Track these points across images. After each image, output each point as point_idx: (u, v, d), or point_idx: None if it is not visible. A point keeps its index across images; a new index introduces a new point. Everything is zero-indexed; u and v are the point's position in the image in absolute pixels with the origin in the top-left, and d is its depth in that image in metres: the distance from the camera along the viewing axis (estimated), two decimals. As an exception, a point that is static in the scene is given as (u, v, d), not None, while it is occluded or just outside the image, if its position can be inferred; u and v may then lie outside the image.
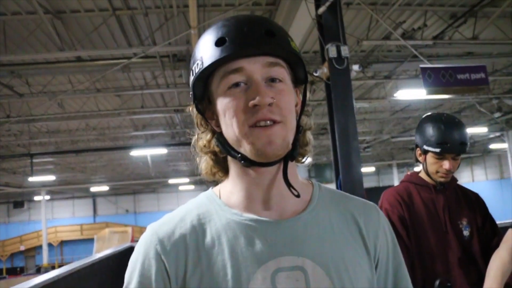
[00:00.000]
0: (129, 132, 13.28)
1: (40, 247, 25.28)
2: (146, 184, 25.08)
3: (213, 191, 0.95)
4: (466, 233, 1.99)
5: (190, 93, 0.90)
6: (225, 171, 0.94)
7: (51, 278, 3.89)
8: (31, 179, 15.70)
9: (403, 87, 8.49)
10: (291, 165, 0.89)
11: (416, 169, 2.27)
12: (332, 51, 4.41)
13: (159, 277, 0.84)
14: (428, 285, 1.89)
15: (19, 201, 27.52)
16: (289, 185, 0.87)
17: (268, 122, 0.81)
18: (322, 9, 4.70)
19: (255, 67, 0.83)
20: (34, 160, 13.80)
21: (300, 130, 0.90)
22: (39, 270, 22.58)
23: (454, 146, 1.96)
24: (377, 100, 10.69)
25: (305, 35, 6.82)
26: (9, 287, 3.36)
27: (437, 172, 2.02)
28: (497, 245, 1.99)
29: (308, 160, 0.97)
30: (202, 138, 0.94)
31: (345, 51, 4.42)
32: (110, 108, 10.79)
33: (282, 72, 0.85)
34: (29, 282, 3.61)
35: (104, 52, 7.21)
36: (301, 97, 0.93)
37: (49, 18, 6.05)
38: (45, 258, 23.62)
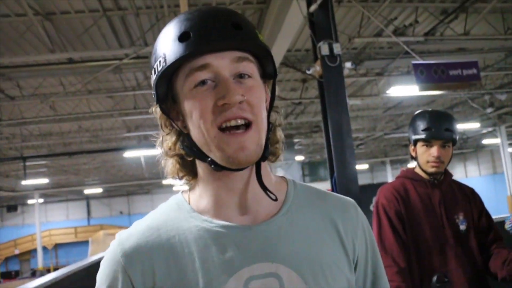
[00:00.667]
0: (122, 134, 13.23)
1: (34, 250, 25.13)
2: (140, 185, 25.01)
3: (182, 195, 0.90)
4: (462, 227, 2.01)
5: (153, 92, 0.84)
6: (193, 174, 0.89)
7: (49, 281, 3.87)
8: (24, 182, 15.61)
9: (396, 84, 8.51)
10: (263, 165, 0.84)
11: (411, 165, 2.28)
12: (324, 48, 4.41)
13: None
14: (426, 280, 1.89)
15: (13, 205, 27.35)
16: (265, 188, 0.82)
17: (239, 121, 0.76)
18: (313, 7, 4.70)
19: (223, 63, 0.77)
20: (27, 163, 13.70)
21: (270, 127, 0.85)
22: (34, 274, 22.45)
23: (439, 131, 2.02)
24: (370, 97, 10.72)
25: (297, 33, 6.82)
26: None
27: (427, 162, 2.04)
28: (493, 240, 2.01)
29: (279, 158, 0.91)
30: (167, 140, 0.88)
31: (337, 48, 4.42)
32: (102, 110, 10.74)
33: (251, 67, 0.80)
34: (27, 286, 3.59)
35: (95, 53, 7.17)
36: (269, 93, 0.88)
37: (39, 19, 6.01)
38: (40, 261, 23.46)
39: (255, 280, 0.77)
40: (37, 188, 20.85)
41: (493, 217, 2.16)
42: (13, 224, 27.97)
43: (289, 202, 0.87)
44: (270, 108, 0.87)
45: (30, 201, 25.46)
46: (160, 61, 0.79)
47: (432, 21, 7.32)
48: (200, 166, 0.86)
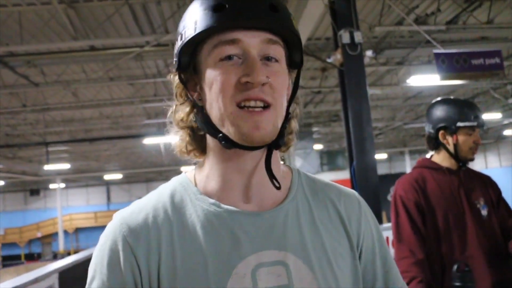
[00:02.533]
0: (142, 121, 13.37)
1: (56, 234, 25.70)
2: (159, 172, 25.26)
3: (187, 176, 0.87)
4: (484, 212, 2.03)
5: (175, 59, 0.81)
6: (202, 151, 0.87)
7: (70, 263, 4.00)
8: (46, 167, 15.92)
9: (416, 73, 8.41)
10: (274, 152, 0.81)
11: (428, 156, 2.30)
12: (345, 37, 4.40)
13: (128, 272, 0.75)
14: (447, 269, 1.90)
15: (35, 189, 27.96)
16: (272, 176, 0.80)
17: (258, 102, 0.74)
18: (334, -5, 4.69)
19: (254, 42, 0.75)
20: (49, 149, 13.97)
21: (288, 117, 0.83)
22: (55, 256, 23.02)
23: (483, 121, 2.10)
24: (390, 86, 10.62)
25: (317, 22, 6.78)
26: (29, 272, 3.48)
27: (470, 148, 2.09)
28: None
29: (289, 150, 0.90)
30: (180, 110, 0.85)
31: (358, 37, 4.41)
32: (123, 97, 10.87)
33: (280, 51, 0.78)
34: (49, 267, 3.72)
35: (117, 40, 7.26)
36: (292, 82, 0.86)
37: (63, 8, 6.10)
38: (61, 244, 24.02)
39: (263, 267, 0.76)
40: (59, 173, 21.24)
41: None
42: (36, 207, 28.59)
43: (294, 190, 0.87)
44: (291, 98, 0.85)
45: (52, 186, 25.96)
46: (189, 28, 0.77)
47: (455, 10, 7.19)
48: (211, 144, 0.83)
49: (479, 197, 2.06)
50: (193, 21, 0.76)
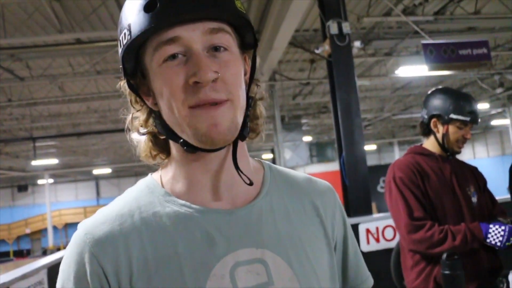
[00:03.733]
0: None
1: (45, 230, 25.52)
2: (148, 166, 25.02)
3: (153, 178, 0.83)
4: (474, 199, 2.07)
5: (120, 66, 0.76)
6: (167, 153, 0.83)
7: (59, 259, 3.96)
8: (34, 162, 15.76)
9: (404, 64, 8.44)
10: (240, 145, 0.78)
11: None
12: (333, 27, 4.39)
13: (96, 284, 0.71)
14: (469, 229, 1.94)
15: (23, 184, 27.68)
16: (239, 170, 0.77)
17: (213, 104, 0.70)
18: (322, -14, 4.67)
19: (194, 35, 0.69)
20: (37, 144, 13.84)
21: (250, 102, 0.78)
22: (45, 252, 22.84)
23: (477, 117, 2.10)
24: (378, 77, 10.65)
25: (305, 13, 6.76)
26: (17, 268, 3.43)
27: (457, 141, 2.10)
28: (501, 213, 2.06)
29: (260, 135, 0.84)
30: (137, 117, 0.82)
31: (346, 27, 4.40)
32: (110, 90, 10.77)
33: (227, 38, 0.72)
34: (37, 263, 3.68)
35: (103, 33, 7.16)
36: (250, 63, 0.81)
37: (47, 0, 6.00)
38: (50, 240, 23.85)
39: (241, 266, 0.74)
40: (47, 168, 21.07)
41: (502, 197, 2.21)
42: (24, 203, 28.34)
43: (267, 185, 0.83)
44: (250, 81, 0.80)
45: (40, 181, 25.74)
46: (125, 33, 0.72)
47: (442, 0, 7.22)
48: (174, 147, 0.80)
49: (469, 184, 2.10)
50: (127, 24, 0.71)
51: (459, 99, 2.11)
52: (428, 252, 1.95)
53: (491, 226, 1.91)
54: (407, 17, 6.55)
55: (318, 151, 18.59)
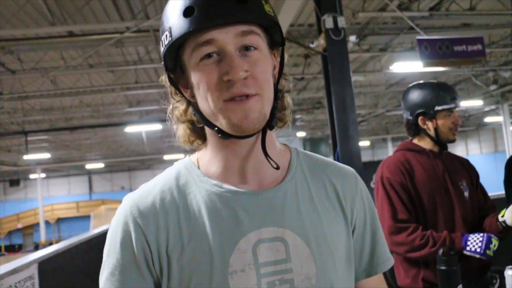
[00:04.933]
0: (124, 109, 13.20)
1: (37, 224, 25.41)
2: (141, 160, 25.12)
3: (190, 160, 0.93)
4: (466, 194, 2.06)
5: (162, 63, 0.87)
6: (203, 139, 0.92)
7: (51, 253, 3.92)
8: (26, 157, 15.68)
9: (399, 60, 8.43)
10: (269, 133, 0.87)
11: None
12: (328, 22, 4.36)
13: (140, 251, 0.82)
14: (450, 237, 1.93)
15: (15, 179, 27.55)
16: (267, 156, 0.86)
17: (243, 97, 0.79)
18: (317, -20, 4.63)
19: (227, 37, 0.78)
20: (29, 138, 13.72)
21: (278, 95, 0.87)
22: (37, 247, 22.72)
23: (459, 100, 2.12)
24: (373, 73, 10.65)
25: (300, 7, 6.72)
26: (8, 263, 3.41)
27: (450, 129, 2.09)
28: (492, 207, 2.05)
29: (287, 124, 0.95)
30: (177, 107, 0.92)
31: (341, 22, 4.37)
32: (103, 84, 10.68)
33: (256, 39, 0.81)
34: (28, 257, 3.64)
35: (96, 26, 7.08)
36: (279, 59, 0.90)
37: (39, -9, 5.92)
38: (42, 235, 23.75)
39: (263, 243, 0.82)
40: (39, 163, 20.95)
41: (494, 194, 2.20)
42: (15, 198, 28.21)
43: (293, 169, 0.91)
44: (279, 75, 0.89)
45: (32, 176, 25.62)
46: (166, 35, 0.82)
47: (438, -4, 7.20)
48: (209, 134, 0.89)
49: (461, 178, 2.09)
50: (168, 27, 0.81)
51: (438, 90, 2.11)
52: (407, 255, 1.96)
53: (470, 235, 1.91)
54: (402, 13, 6.52)
55: (312, 147, 18.57)
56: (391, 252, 2.02)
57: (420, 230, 1.93)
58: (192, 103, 0.88)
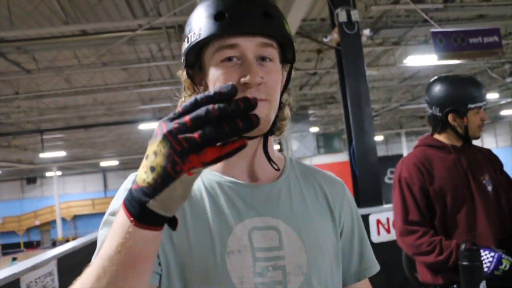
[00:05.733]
0: (137, 106, 13.27)
1: (54, 221, 25.72)
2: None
3: None
4: (489, 188, 2.01)
5: (182, 58, 0.93)
6: None
7: (68, 250, 3.97)
8: (42, 155, 15.82)
9: (413, 54, 8.33)
10: (269, 138, 0.96)
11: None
12: (342, 15, 4.33)
13: None
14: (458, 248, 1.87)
15: (32, 177, 27.89)
16: (269, 159, 0.94)
17: None
18: (330, -27, 4.59)
19: (250, 46, 0.86)
20: (44, 137, 13.87)
21: (280, 106, 0.94)
22: (54, 244, 23.04)
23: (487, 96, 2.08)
24: (386, 67, 10.53)
25: (313, 2, 6.67)
26: (27, 259, 3.47)
27: (478, 126, 2.06)
28: None
29: (282, 134, 1.02)
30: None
31: (355, 15, 4.34)
32: (116, 82, 10.74)
33: (273, 52, 0.89)
34: (47, 254, 3.68)
35: (108, 24, 7.11)
36: (285, 75, 0.97)
37: (52, -9, 5.97)
38: (59, 232, 24.05)
39: (258, 230, 0.89)
40: (54, 161, 21.17)
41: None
42: (33, 196, 28.56)
43: (287, 171, 1.00)
44: (284, 89, 0.97)
45: (48, 174, 25.91)
46: (194, 33, 0.88)
47: (452, -13, 7.10)
48: None
49: (484, 173, 2.04)
50: (198, 27, 0.87)
51: (469, 86, 2.05)
52: (415, 257, 1.98)
53: (481, 250, 1.83)
54: (416, 5, 6.44)
55: (325, 142, 18.52)
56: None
57: (430, 235, 1.91)
58: None
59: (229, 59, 0.86)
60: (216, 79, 0.88)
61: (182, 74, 0.96)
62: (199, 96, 0.54)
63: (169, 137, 0.54)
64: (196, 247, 0.86)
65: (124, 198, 0.63)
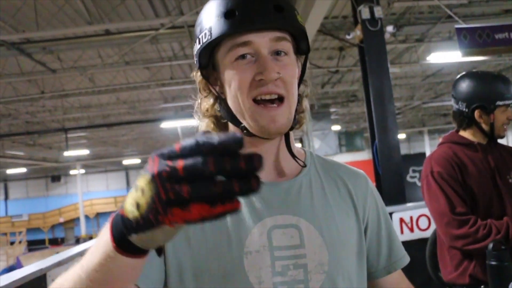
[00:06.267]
0: (159, 105, 13.39)
1: (77, 219, 26.18)
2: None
3: None
4: None
5: (195, 59, 0.91)
6: None
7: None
8: (66, 153, 16.12)
9: (436, 50, 8.19)
10: (290, 134, 0.94)
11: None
12: (364, 12, 4.28)
13: None
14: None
15: (56, 175, 28.45)
16: (293, 155, 0.93)
17: (273, 96, 0.84)
18: (353, -30, 4.55)
19: (263, 41, 0.84)
20: (68, 135, 14.12)
21: (299, 99, 0.92)
22: (78, 241, 23.44)
23: None
24: (409, 64, 10.39)
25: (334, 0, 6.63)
26: (52, 255, 3.54)
27: (503, 125, 2.00)
28: None
29: (302, 127, 1.00)
30: (204, 102, 0.95)
31: (378, 12, 4.29)
32: (139, 81, 10.87)
33: (287, 45, 0.87)
34: (72, 250, 3.76)
35: (131, 24, 7.20)
36: (300, 66, 0.95)
37: (77, -8, 6.07)
38: (83, 229, 24.46)
39: (278, 229, 0.87)
40: (78, 159, 21.53)
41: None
42: (57, 193, 29.13)
43: (307, 167, 0.98)
44: (300, 81, 0.95)
45: (72, 172, 26.37)
46: (205, 33, 0.86)
47: (477, -18, 6.96)
48: (233, 130, 0.92)
49: (510, 171, 1.99)
50: (208, 27, 0.85)
51: (498, 83, 2.00)
52: (470, 247, 1.86)
53: None
54: (439, 1, 6.34)
55: (347, 140, 18.37)
56: (451, 247, 1.94)
57: (480, 220, 1.85)
58: (220, 99, 0.92)
59: (243, 56, 0.85)
60: (230, 79, 0.86)
61: (197, 75, 0.95)
62: (201, 140, 0.47)
63: (158, 181, 0.48)
64: (213, 250, 0.85)
65: (113, 214, 0.60)
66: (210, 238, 0.85)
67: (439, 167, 1.97)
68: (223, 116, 0.92)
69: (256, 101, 0.84)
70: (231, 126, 0.93)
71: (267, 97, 0.84)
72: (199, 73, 0.93)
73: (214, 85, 0.92)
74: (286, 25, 0.86)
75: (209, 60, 0.90)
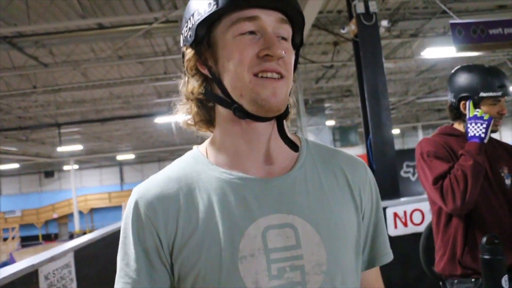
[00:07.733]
0: (153, 100, 13.33)
1: (71, 214, 26.10)
2: (171, 151, 25.39)
3: (199, 150, 0.93)
4: (508, 181, 1.94)
5: (189, 33, 0.85)
6: (207, 123, 0.93)
7: (85, 242, 4.01)
8: (59, 149, 16.04)
9: (430, 46, 8.20)
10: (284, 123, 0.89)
11: None
12: (359, 6, 4.27)
13: (151, 241, 0.84)
14: (478, 239, 1.83)
15: (50, 171, 28.34)
16: (289, 141, 0.87)
17: (275, 74, 0.81)
18: (347, -36, 4.53)
19: (269, 20, 0.82)
20: (62, 130, 14.05)
21: (290, 92, 0.89)
22: (71, 236, 23.37)
23: (509, 89, 1.95)
24: (403, 59, 10.40)
25: (329, -6, 6.62)
26: (45, 251, 3.53)
27: (494, 119, 1.96)
28: None
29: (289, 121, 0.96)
30: (191, 82, 0.90)
31: (373, 6, 4.28)
32: (133, 76, 10.81)
33: (289, 31, 0.86)
34: (64, 246, 3.73)
35: (125, 18, 7.14)
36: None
37: (69, -15, 6.01)
38: (76, 225, 24.38)
39: (272, 229, 0.82)
40: (72, 154, 21.44)
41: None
42: (51, 189, 29.02)
43: (303, 157, 0.92)
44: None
45: (65, 167, 26.28)
46: (210, 3, 0.81)
47: (472, -23, 6.96)
48: (221, 116, 0.88)
49: (503, 166, 1.97)
50: (208, 2, 0.81)
51: (486, 74, 1.96)
52: (456, 197, 1.81)
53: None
54: (434, -4, 6.34)
55: (341, 136, 18.39)
56: (439, 205, 1.91)
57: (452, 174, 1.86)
58: (210, 79, 0.87)
59: (249, 33, 0.81)
60: (230, 54, 0.82)
61: (187, 51, 0.88)
62: None
63: None
64: (207, 255, 0.81)
65: None
66: (204, 244, 0.82)
67: (430, 147, 1.96)
68: (211, 98, 0.88)
69: (256, 76, 0.81)
70: (220, 111, 0.88)
71: (269, 75, 0.81)
72: (190, 49, 0.87)
73: (202, 66, 0.87)
74: (290, 8, 0.84)
75: (204, 35, 0.85)
